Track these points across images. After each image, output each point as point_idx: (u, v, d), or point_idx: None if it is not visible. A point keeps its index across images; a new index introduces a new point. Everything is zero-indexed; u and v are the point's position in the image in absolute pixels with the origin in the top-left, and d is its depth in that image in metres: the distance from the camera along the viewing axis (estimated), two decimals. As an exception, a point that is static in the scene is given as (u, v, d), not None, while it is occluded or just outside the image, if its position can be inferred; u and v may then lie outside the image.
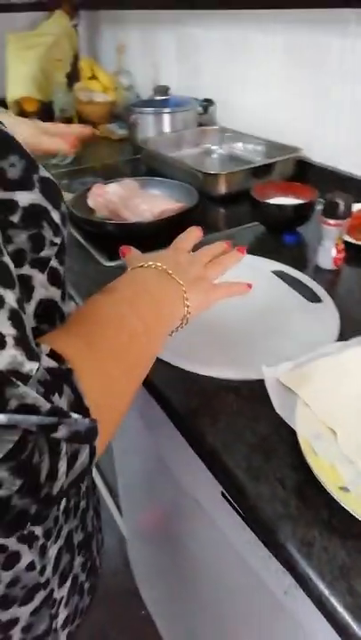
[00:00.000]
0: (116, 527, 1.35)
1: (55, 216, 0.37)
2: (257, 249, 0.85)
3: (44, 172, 0.36)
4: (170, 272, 0.47)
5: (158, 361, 0.59)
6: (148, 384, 0.58)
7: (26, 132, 0.76)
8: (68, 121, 1.39)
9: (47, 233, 0.36)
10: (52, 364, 0.30)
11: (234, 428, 0.50)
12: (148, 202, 0.91)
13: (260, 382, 0.55)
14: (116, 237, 0.88)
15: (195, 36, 1.42)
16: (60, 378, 0.30)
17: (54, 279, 0.38)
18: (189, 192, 0.97)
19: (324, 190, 0.84)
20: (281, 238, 0.88)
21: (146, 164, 1.26)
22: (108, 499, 1.37)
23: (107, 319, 0.38)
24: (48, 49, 1.70)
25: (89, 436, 0.30)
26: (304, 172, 1.12)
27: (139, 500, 1.03)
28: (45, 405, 0.27)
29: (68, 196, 1.00)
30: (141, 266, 0.48)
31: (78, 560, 0.49)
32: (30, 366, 0.28)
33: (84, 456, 0.30)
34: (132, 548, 1.23)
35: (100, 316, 0.39)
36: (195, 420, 0.52)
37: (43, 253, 0.36)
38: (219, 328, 0.64)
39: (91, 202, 0.99)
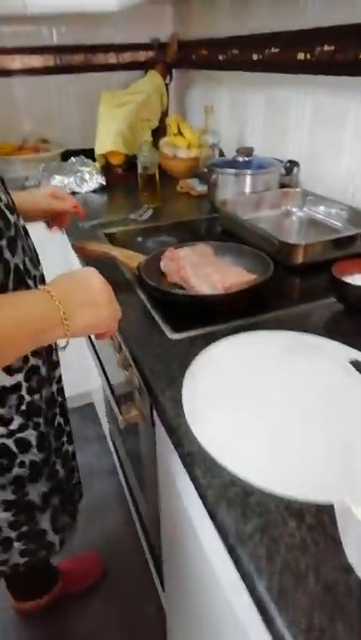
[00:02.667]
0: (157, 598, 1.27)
1: None
2: (333, 330, 0.79)
3: None
4: (52, 294, 0.56)
5: (214, 464, 0.54)
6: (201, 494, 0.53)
7: (43, 197, 1.00)
8: (151, 178, 1.41)
9: None
10: None
11: (293, 569, 0.43)
12: (219, 272, 0.88)
13: (330, 508, 0.48)
14: (184, 307, 0.86)
15: (284, 98, 1.41)
16: None
17: None
18: (264, 262, 0.92)
19: None
20: (362, 321, 0.81)
21: (222, 225, 1.24)
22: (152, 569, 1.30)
23: None
24: (138, 106, 1.77)
25: None
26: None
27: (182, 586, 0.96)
28: None
29: (140, 257, 0.99)
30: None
31: None
32: None
33: None
34: (172, 624, 1.14)
35: None
36: (247, 550, 0.45)
37: None
38: (285, 434, 0.57)
39: (163, 266, 0.97)
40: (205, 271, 0.88)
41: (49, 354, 0.84)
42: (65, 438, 0.92)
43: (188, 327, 0.81)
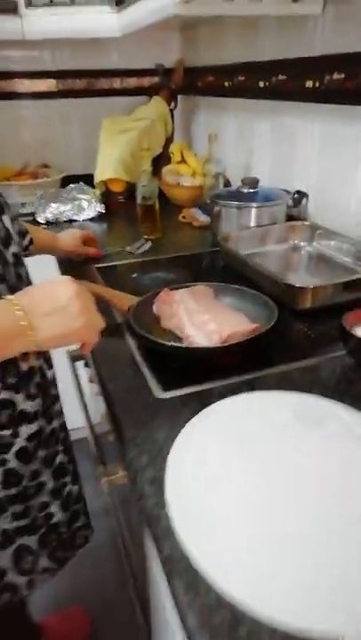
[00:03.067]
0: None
1: None
2: (344, 391, 0.69)
3: None
4: (16, 304, 0.56)
5: (198, 577, 0.44)
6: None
7: (68, 240, 1.17)
8: (150, 208, 1.34)
9: None
10: None
11: None
12: (217, 319, 0.79)
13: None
14: (177, 360, 0.77)
15: (291, 126, 1.34)
16: None
17: None
18: (268, 307, 0.83)
19: None
20: (377, 380, 0.71)
21: (225, 261, 1.15)
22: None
23: None
24: (141, 133, 1.71)
25: None
26: None
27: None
28: None
29: (132, 299, 0.91)
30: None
31: None
32: None
33: None
34: None
35: None
36: None
37: None
38: (294, 539, 0.47)
39: (156, 309, 0.89)
40: (202, 319, 0.80)
41: (46, 387, 0.76)
42: (68, 478, 0.83)
43: (180, 383, 0.72)
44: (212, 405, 0.65)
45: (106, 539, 1.55)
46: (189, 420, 0.63)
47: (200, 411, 0.64)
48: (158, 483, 0.54)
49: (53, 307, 0.57)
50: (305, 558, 0.45)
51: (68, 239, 1.16)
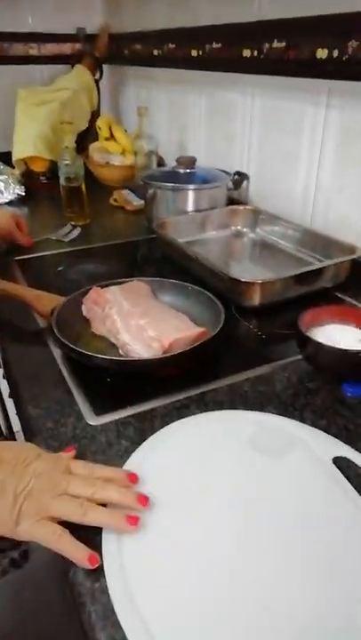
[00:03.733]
0: None
1: None
2: (304, 405, 0.61)
3: None
4: None
5: None
6: None
7: (3, 221, 1.04)
8: (76, 191, 1.19)
9: None
10: None
11: None
12: (157, 324, 0.67)
13: None
14: (109, 374, 0.65)
15: (228, 100, 1.23)
16: None
17: None
18: (213, 307, 0.73)
19: None
20: (338, 387, 0.63)
21: (162, 251, 1.04)
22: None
23: None
24: (62, 106, 1.53)
25: None
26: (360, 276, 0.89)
27: None
28: None
29: (56, 300, 0.77)
30: None
31: None
32: None
33: None
34: None
35: None
36: None
37: None
38: (228, 597, 0.37)
39: (85, 311, 0.76)
40: (138, 323, 0.68)
41: None
42: None
43: (115, 404, 0.60)
44: (153, 436, 0.54)
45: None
46: (130, 451, 0.52)
47: (140, 441, 0.53)
48: (95, 545, 0.42)
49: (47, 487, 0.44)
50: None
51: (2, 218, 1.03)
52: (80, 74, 1.67)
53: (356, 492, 0.47)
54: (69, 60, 1.75)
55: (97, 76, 1.74)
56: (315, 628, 0.36)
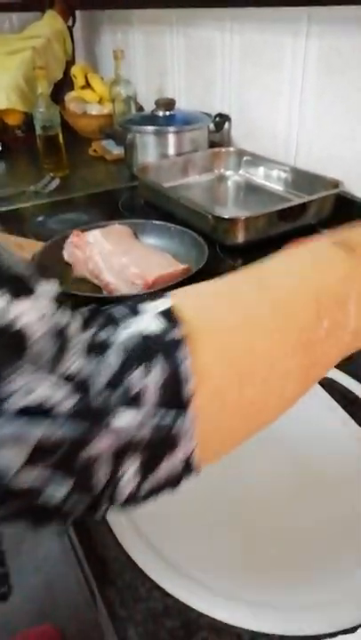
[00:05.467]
0: None
1: None
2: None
3: None
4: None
5: (140, 578, 0.35)
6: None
7: None
8: (53, 140, 1.15)
9: None
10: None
11: None
12: (139, 262, 0.66)
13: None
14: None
15: (207, 39, 1.18)
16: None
17: None
18: (196, 245, 0.72)
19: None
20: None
21: (144, 197, 1.02)
22: None
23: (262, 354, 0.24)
24: (35, 54, 1.47)
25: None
26: (345, 211, 0.88)
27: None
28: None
29: (36, 245, 0.76)
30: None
31: None
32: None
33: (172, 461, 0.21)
34: None
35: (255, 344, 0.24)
36: None
37: None
38: (254, 524, 0.39)
39: (67, 256, 0.75)
40: (120, 262, 0.67)
41: None
42: None
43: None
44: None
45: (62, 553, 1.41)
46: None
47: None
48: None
49: None
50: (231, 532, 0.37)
51: None
52: (52, 20, 1.59)
53: (340, 407, 0.48)
54: (40, 5, 1.66)
55: (69, 22, 1.65)
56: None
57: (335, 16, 0.84)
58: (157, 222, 0.80)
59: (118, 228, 0.78)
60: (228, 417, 0.23)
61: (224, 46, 1.13)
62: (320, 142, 0.95)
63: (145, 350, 0.21)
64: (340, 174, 0.89)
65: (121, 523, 0.38)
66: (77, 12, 1.69)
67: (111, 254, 0.69)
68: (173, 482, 0.23)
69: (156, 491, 0.23)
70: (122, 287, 0.65)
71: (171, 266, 0.67)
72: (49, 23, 1.58)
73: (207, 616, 0.33)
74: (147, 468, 0.21)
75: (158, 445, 0.21)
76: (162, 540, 0.37)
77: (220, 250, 0.81)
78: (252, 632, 0.32)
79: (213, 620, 0.33)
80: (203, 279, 0.66)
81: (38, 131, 1.15)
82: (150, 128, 1.07)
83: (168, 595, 0.34)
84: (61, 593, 1.30)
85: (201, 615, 0.33)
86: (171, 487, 0.23)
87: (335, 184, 0.86)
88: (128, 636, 0.33)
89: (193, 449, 0.22)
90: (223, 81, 1.17)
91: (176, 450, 0.22)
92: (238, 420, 0.24)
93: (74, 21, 1.68)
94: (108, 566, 0.36)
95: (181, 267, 0.66)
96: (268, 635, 0.32)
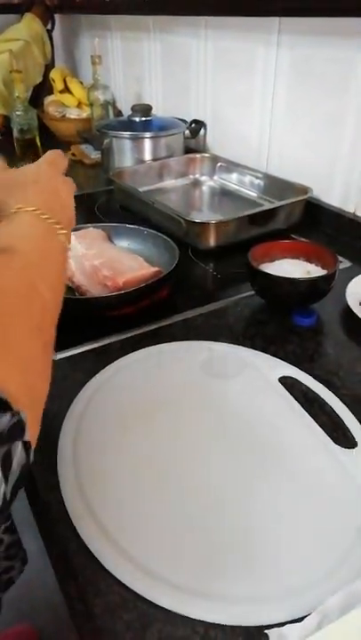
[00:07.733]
0: None
1: None
2: (254, 334, 0.63)
3: None
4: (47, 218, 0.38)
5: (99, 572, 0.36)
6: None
7: None
8: (30, 143, 1.16)
9: None
10: None
11: None
12: (111, 265, 0.68)
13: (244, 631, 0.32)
14: (66, 315, 0.66)
15: (184, 46, 1.20)
16: None
17: None
18: (168, 249, 0.74)
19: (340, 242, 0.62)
20: (289, 318, 0.66)
21: (119, 201, 1.03)
22: None
23: (15, 294, 0.31)
24: (13, 57, 1.47)
25: (14, 433, 0.24)
26: (314, 217, 0.91)
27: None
28: None
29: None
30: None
31: None
32: None
33: (17, 454, 0.24)
34: None
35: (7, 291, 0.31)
36: None
37: None
38: (210, 517, 0.40)
39: (40, 258, 0.76)
40: (92, 265, 0.68)
41: None
42: None
43: (72, 341, 0.61)
44: (112, 364, 0.56)
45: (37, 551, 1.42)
46: (85, 383, 0.54)
47: (95, 373, 0.55)
48: (50, 465, 0.44)
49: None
50: (229, 537, 0.39)
51: None
52: (30, 23, 1.60)
53: (298, 404, 0.50)
54: (18, 8, 1.67)
55: (48, 25, 1.66)
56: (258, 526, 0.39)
57: (305, 27, 0.87)
58: (131, 226, 0.81)
59: (92, 232, 0.80)
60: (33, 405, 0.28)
61: (199, 53, 1.16)
62: (290, 150, 0.98)
63: None
64: (309, 181, 0.92)
65: (83, 517, 0.39)
66: (57, 16, 1.70)
67: (83, 257, 0.70)
68: (24, 474, 0.25)
69: (16, 486, 0.24)
70: (94, 289, 0.67)
71: (142, 268, 0.69)
72: (28, 26, 1.59)
73: (163, 608, 0.34)
74: (4, 467, 0.23)
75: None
76: (121, 533, 0.38)
77: (193, 253, 0.83)
78: (207, 623, 0.34)
79: (169, 611, 0.34)
80: (172, 280, 0.68)
81: (16, 134, 1.15)
82: (127, 133, 1.08)
83: (128, 588, 0.35)
84: (40, 592, 1.29)
85: (157, 607, 0.34)
86: (24, 479, 0.25)
87: (305, 190, 0.88)
88: (84, 630, 0.35)
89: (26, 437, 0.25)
90: (198, 87, 1.20)
91: (17, 443, 0.24)
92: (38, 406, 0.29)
93: (53, 25, 1.69)
94: (70, 562, 0.38)
95: (152, 269, 0.68)
96: (222, 625, 0.34)
